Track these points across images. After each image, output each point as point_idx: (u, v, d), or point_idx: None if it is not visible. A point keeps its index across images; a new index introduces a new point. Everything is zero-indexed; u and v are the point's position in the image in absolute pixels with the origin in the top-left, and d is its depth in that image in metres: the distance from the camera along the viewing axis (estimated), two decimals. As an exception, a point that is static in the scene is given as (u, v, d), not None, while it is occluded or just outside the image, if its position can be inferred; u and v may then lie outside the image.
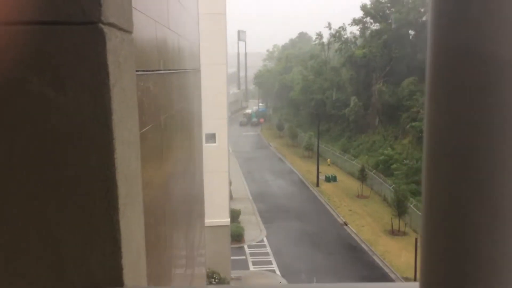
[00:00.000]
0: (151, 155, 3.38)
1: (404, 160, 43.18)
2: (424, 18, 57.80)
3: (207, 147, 20.48)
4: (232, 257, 24.26)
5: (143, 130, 2.88)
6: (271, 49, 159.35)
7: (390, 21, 57.41)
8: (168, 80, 4.04)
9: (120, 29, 1.17)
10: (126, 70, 1.24)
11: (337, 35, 65.23)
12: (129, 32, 1.29)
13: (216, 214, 20.90)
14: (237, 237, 29.57)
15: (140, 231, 1.45)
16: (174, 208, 4.88)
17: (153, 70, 3.22)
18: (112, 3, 1.08)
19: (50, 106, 1.04)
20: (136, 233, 1.37)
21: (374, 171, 43.01)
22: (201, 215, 9.50)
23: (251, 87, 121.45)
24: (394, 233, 32.07)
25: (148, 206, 3.38)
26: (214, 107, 20.22)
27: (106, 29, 1.03)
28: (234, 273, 24.23)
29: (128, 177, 1.23)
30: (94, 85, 1.05)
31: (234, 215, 31.73)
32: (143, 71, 2.93)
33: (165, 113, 3.88)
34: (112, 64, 1.08)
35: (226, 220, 22.09)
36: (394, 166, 43.03)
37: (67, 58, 1.02)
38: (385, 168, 44.18)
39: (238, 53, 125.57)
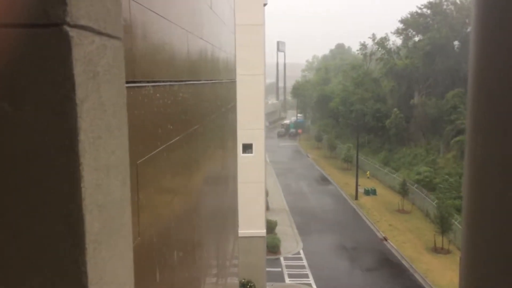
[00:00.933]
0: (181, 166, 3.33)
1: (447, 175, 41.63)
2: (469, 29, 55.98)
3: (243, 157, 20.49)
4: (267, 269, 24.03)
5: (171, 141, 2.82)
6: (310, 60, 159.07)
7: (433, 32, 55.92)
8: (200, 91, 4.00)
9: (100, 33, 1.01)
10: (108, 81, 1.07)
11: (380, 43, 64.17)
12: (115, 37, 1.12)
13: (252, 225, 20.80)
14: (273, 248, 29.31)
15: (126, 271, 1.25)
16: (206, 218, 4.82)
17: (183, 81, 3.17)
18: (85, 3, 0.93)
19: (4, 122, 0.88)
20: (118, 274, 1.16)
21: (416, 185, 41.67)
22: (235, 225, 9.44)
23: (290, 97, 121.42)
24: (437, 250, 30.81)
25: (178, 216, 3.32)
26: (251, 118, 20.24)
27: (73, 32, 0.88)
28: (269, 285, 23.96)
29: (106, 209, 1.05)
30: (56, 100, 0.88)
31: (271, 226, 31.52)
32: (173, 81, 2.89)
33: (196, 124, 3.83)
34: (83, 75, 0.92)
35: (262, 231, 21.93)
36: (437, 180, 41.54)
37: (25, 66, 0.86)
38: (428, 182, 42.69)
39: (277, 64, 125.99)
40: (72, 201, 0.91)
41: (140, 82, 2.09)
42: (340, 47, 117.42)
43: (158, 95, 2.37)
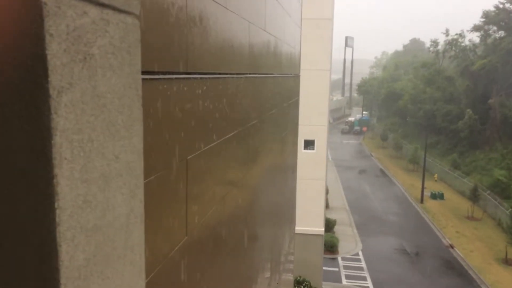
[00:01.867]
0: (236, 160, 3.24)
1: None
2: (559, 24, 51.25)
3: (305, 153, 20.22)
4: (324, 268, 23.64)
5: (227, 136, 2.73)
6: (379, 56, 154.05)
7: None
8: (260, 84, 3.89)
9: (99, 4, 0.78)
10: (111, 68, 0.84)
11: (453, 43, 60.66)
12: (125, 12, 0.88)
13: (310, 222, 20.54)
14: (331, 247, 28.82)
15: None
16: (262, 213, 4.73)
17: (240, 74, 3.06)
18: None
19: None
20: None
21: (488, 191, 39.05)
22: (292, 222, 9.30)
23: (356, 94, 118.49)
24: (508, 262, 28.70)
25: (233, 209, 3.25)
26: (315, 113, 19.90)
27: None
28: (325, 285, 23.59)
29: (101, 232, 0.83)
30: (26, 89, 0.66)
31: (329, 224, 30.99)
32: (229, 74, 2.79)
33: (255, 118, 3.72)
34: (63, 56, 0.69)
35: (320, 229, 21.58)
36: (512, 187, 38.71)
37: None
38: (502, 189, 39.85)
39: (345, 60, 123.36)
40: (45, 226, 0.69)
41: (191, 73, 1.99)
42: (415, 42, 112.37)
43: (208, 85, 2.26)
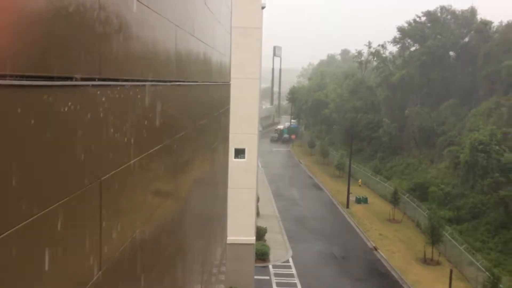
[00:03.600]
0: (163, 175, 2.95)
1: (441, 185, 41.50)
2: (466, 39, 56.09)
3: (235, 162, 20.10)
4: (255, 277, 23.61)
5: (150, 151, 2.45)
6: (306, 66, 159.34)
7: (429, 42, 56.00)
8: (189, 93, 3.63)
9: None
10: None
11: (375, 53, 64.19)
12: None
13: (241, 232, 20.40)
14: (262, 256, 28.89)
15: None
16: (192, 225, 4.45)
17: (167, 81, 2.80)
18: None
19: None
20: None
21: (407, 194, 41.50)
22: (223, 232, 9.06)
23: (284, 103, 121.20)
24: (426, 262, 30.58)
25: (163, 221, 2.95)
26: (245, 122, 19.88)
27: None
28: (257, 293, 23.54)
29: None
30: None
31: (260, 233, 31.10)
32: (156, 81, 2.52)
33: (183, 129, 3.46)
34: None
35: (251, 238, 21.53)
36: (431, 189, 41.41)
37: None
38: (420, 192, 42.57)
39: (273, 69, 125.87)
40: None
41: (107, 79, 1.71)
42: (341, 52, 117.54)
43: (131, 94, 1.99)
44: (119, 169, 1.87)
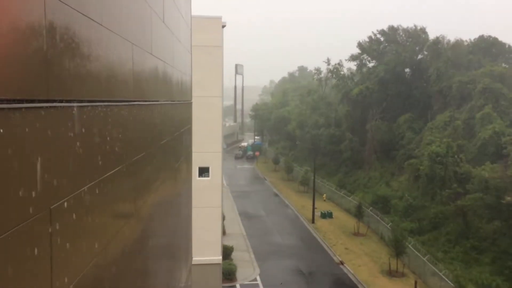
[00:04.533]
0: (121, 200, 2.83)
1: (403, 198, 42.49)
2: (420, 56, 58.47)
3: (200, 181, 19.86)
4: (223, 297, 23.16)
5: (106, 175, 2.33)
6: (267, 84, 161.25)
7: (386, 58, 58.04)
8: (147, 112, 3.53)
9: None
10: None
11: (334, 71, 65.85)
12: None
13: (207, 251, 20.05)
14: (229, 275, 28.48)
15: None
16: (154, 250, 4.29)
17: (126, 101, 2.70)
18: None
19: None
20: None
21: (370, 208, 42.24)
22: (188, 253, 8.85)
23: (248, 120, 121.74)
24: (392, 274, 31.03)
25: (123, 245, 2.80)
26: (208, 140, 19.74)
27: None
28: (225, 314, 23.08)
29: None
30: None
31: (227, 252, 30.71)
32: (112, 101, 2.41)
33: (143, 150, 3.35)
34: None
35: (218, 257, 21.18)
36: (393, 202, 42.32)
37: None
38: (382, 205, 43.44)
39: (235, 86, 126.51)
40: None
41: (56, 101, 1.61)
42: (300, 69, 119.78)
43: (85, 117, 1.89)
44: (71, 195, 1.75)
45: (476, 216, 34.63)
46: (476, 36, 57.04)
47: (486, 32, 61.75)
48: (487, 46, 54.49)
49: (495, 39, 55.28)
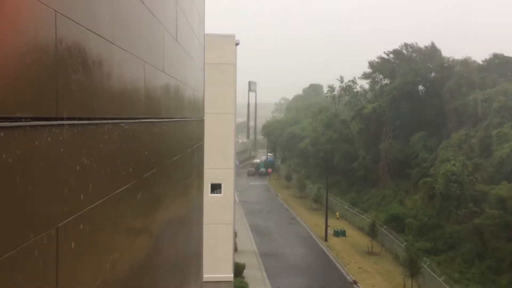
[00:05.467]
0: (136, 212, 2.83)
1: (417, 216, 41.81)
2: (432, 74, 58.18)
3: (212, 197, 19.83)
4: (234, 316, 22.88)
5: (116, 191, 2.33)
6: (281, 101, 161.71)
7: (398, 77, 57.88)
8: (159, 129, 3.55)
9: None
10: None
11: (347, 88, 65.80)
12: None
13: (219, 269, 19.90)
14: (240, 293, 28.15)
15: None
16: (164, 267, 4.27)
17: (137, 118, 2.72)
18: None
19: None
20: None
21: (384, 226, 41.62)
22: (199, 270, 8.78)
23: (260, 137, 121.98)
24: (406, 294, 30.39)
25: (133, 263, 2.79)
26: (221, 157, 19.78)
27: None
28: (235, 333, 22.77)
29: None
30: None
31: (238, 269, 30.43)
32: (124, 119, 2.43)
33: (154, 167, 3.36)
34: None
35: (229, 275, 21.00)
36: (407, 221, 41.67)
37: None
38: (396, 224, 42.77)
39: (248, 104, 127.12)
40: None
41: (66, 118, 1.62)
42: (314, 87, 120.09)
43: (95, 134, 1.90)
44: (80, 212, 1.76)
45: (493, 236, 33.84)
46: (486, 55, 56.75)
47: (499, 50, 61.09)
48: (500, 64, 54.07)
49: (509, 57, 54.85)
